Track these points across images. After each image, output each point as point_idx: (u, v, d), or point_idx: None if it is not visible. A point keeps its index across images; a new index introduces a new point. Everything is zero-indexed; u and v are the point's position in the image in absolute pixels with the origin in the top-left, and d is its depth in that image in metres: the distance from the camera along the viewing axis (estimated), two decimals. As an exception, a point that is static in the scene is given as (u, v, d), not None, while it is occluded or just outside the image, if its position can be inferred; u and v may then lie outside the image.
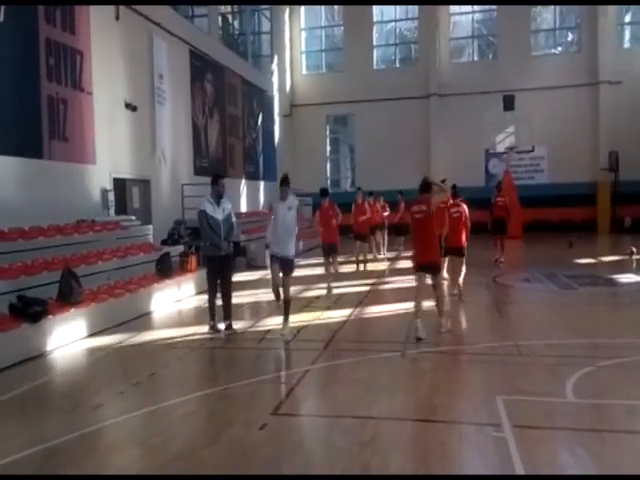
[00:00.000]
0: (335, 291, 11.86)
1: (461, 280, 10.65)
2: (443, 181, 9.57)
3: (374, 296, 11.98)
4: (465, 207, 10.75)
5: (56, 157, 11.66)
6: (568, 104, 26.31)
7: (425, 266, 8.10)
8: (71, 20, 12.18)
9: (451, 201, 10.67)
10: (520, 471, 4.14)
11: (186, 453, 4.68)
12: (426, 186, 8.14)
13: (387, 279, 14.03)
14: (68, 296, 8.62)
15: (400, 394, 5.98)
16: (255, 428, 5.03)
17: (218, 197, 8.62)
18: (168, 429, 5.23)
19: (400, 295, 10.95)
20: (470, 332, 8.69)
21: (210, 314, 8.77)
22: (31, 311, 7.73)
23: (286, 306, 8.48)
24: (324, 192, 12.46)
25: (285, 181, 8.47)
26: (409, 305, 9.12)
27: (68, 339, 8.26)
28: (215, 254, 8.62)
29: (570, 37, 28.55)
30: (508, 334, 8.14)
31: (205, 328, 8.89)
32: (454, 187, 10.70)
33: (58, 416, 5.59)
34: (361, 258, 15.28)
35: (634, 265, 15.10)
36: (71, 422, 5.33)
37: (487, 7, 28.48)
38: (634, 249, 16.20)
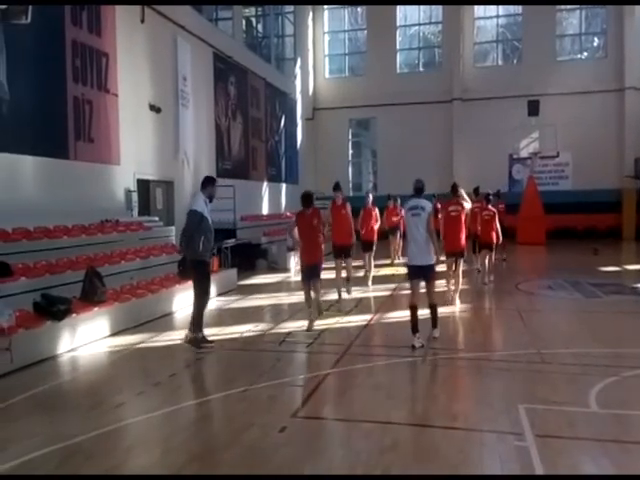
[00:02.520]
0: (355, 295, 11.78)
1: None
2: (476, 189, 11.84)
3: (395, 300, 11.92)
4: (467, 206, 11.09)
5: (81, 157, 11.79)
6: (593, 110, 25.99)
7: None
8: (97, 22, 12.32)
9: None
10: (543, 481, 4.09)
11: (206, 454, 4.69)
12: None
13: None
14: (91, 295, 8.71)
15: (420, 400, 5.94)
16: (275, 431, 5.03)
17: (210, 199, 8.22)
18: (188, 430, 5.25)
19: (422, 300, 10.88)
20: (492, 339, 8.61)
21: (201, 324, 8.10)
22: (55, 310, 7.81)
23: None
24: (337, 186, 11.33)
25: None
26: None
27: (91, 338, 8.35)
28: (207, 259, 8.20)
29: (596, 42, 28.22)
30: (531, 342, 8.04)
31: (226, 330, 8.93)
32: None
33: (79, 414, 5.64)
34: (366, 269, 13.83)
35: (660, 274, 14.85)
36: (92, 420, 5.37)
37: (512, 11, 28.28)
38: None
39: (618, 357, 7.34)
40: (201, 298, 8.08)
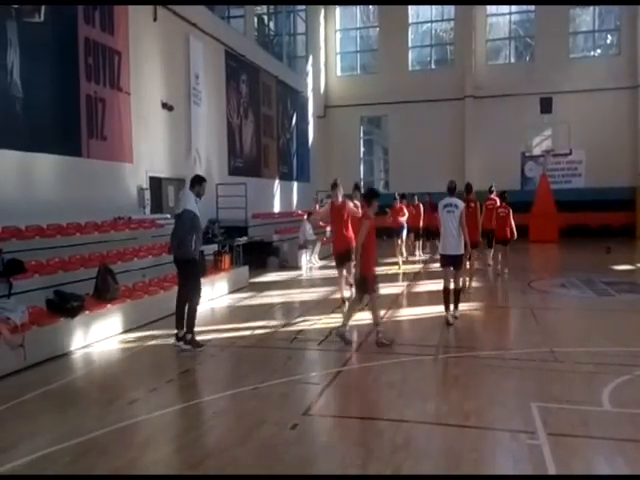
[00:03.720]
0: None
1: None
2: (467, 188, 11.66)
3: (406, 298, 11.91)
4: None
5: (94, 155, 11.87)
6: (607, 107, 25.80)
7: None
8: (110, 20, 12.39)
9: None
10: (556, 480, 4.07)
11: (218, 451, 4.71)
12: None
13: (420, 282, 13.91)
14: (104, 292, 8.77)
15: (432, 398, 5.92)
16: (287, 428, 5.04)
17: (198, 197, 8.21)
18: (200, 427, 5.28)
19: (432, 298, 10.88)
20: (505, 337, 8.57)
21: (193, 325, 7.98)
22: (68, 306, 7.88)
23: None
24: (335, 185, 10.16)
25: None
26: (441, 308, 9.09)
27: (104, 335, 8.41)
28: (198, 257, 8.15)
29: (609, 39, 28.00)
30: (544, 340, 8.00)
31: (238, 327, 8.96)
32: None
33: (93, 410, 5.68)
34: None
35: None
36: (106, 417, 5.41)
37: (524, 8, 28.12)
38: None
39: (631, 356, 7.28)
40: (194, 298, 8.02)
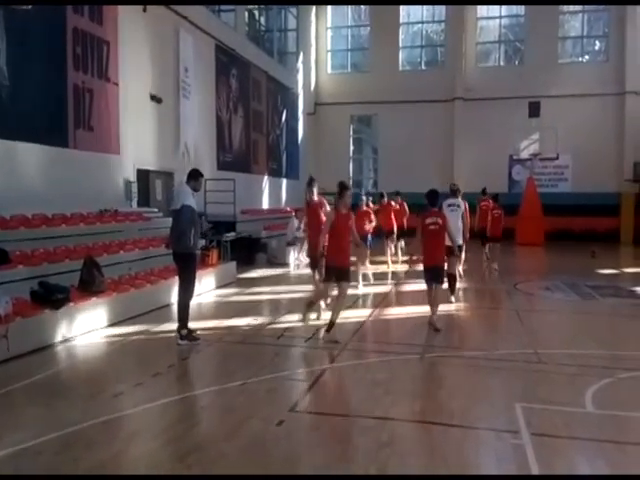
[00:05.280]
0: (353, 291, 11.73)
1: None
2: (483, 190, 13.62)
3: (393, 298, 11.95)
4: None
5: (81, 146, 11.77)
6: (594, 113, 26.05)
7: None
8: (99, 10, 12.30)
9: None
10: (538, 480, 4.11)
11: (205, 445, 4.71)
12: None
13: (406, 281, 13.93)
14: (90, 285, 8.70)
15: (418, 397, 5.95)
16: (273, 424, 5.04)
17: (194, 192, 8.16)
18: (187, 421, 5.26)
19: (420, 297, 10.93)
20: (490, 338, 8.62)
21: (187, 319, 8.00)
22: (53, 298, 7.80)
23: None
24: (310, 182, 9.81)
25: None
26: (427, 308, 9.13)
27: (89, 327, 8.34)
28: (195, 251, 8.20)
29: (597, 46, 28.22)
30: (528, 342, 8.07)
31: (225, 322, 8.95)
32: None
33: (78, 403, 5.63)
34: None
35: (657, 277, 14.89)
36: (91, 409, 5.37)
37: (514, 12, 28.31)
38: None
39: (614, 359, 7.38)
40: (189, 291, 8.04)
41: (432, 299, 8.83)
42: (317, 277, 9.78)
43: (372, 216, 13.90)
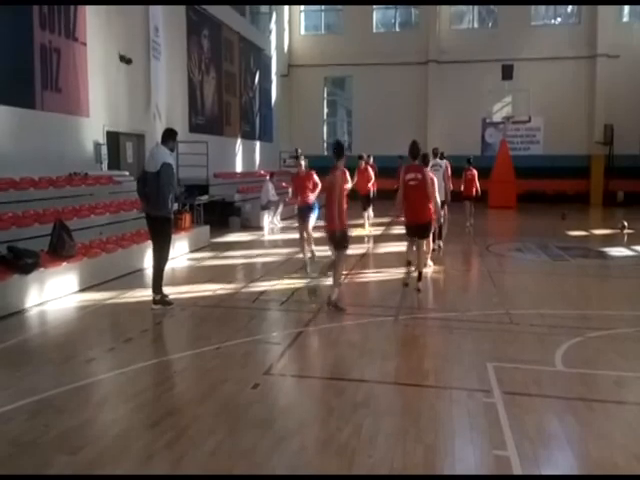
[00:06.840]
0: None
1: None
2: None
3: (368, 260, 11.99)
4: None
5: (48, 108, 11.43)
6: (566, 76, 26.16)
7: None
8: (66, -33, 11.82)
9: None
10: (509, 436, 4.18)
11: (178, 409, 4.71)
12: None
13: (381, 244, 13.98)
14: (60, 249, 8.54)
15: (392, 358, 6.01)
16: (248, 387, 5.05)
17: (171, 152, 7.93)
18: (160, 385, 5.25)
19: (395, 260, 11.00)
20: (463, 299, 8.72)
21: (161, 283, 7.88)
22: (22, 263, 7.65)
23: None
24: (297, 156, 10.20)
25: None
26: (402, 270, 9.19)
27: (59, 293, 8.22)
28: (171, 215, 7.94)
29: (570, 8, 28.10)
30: (500, 302, 8.18)
31: (199, 287, 8.90)
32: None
33: (49, 369, 5.57)
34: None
35: (625, 239, 15.17)
36: (62, 375, 5.32)
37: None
38: (625, 223, 16.27)
39: (583, 319, 7.52)
40: (165, 256, 7.90)
41: (412, 255, 8.83)
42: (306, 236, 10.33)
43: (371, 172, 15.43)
